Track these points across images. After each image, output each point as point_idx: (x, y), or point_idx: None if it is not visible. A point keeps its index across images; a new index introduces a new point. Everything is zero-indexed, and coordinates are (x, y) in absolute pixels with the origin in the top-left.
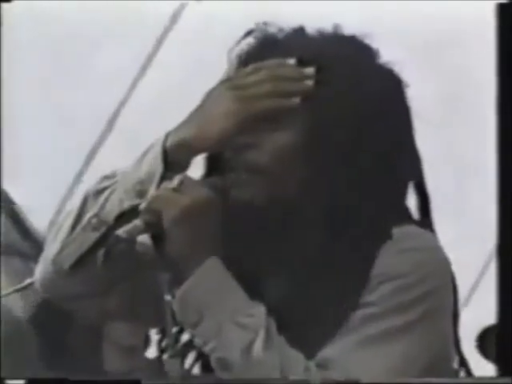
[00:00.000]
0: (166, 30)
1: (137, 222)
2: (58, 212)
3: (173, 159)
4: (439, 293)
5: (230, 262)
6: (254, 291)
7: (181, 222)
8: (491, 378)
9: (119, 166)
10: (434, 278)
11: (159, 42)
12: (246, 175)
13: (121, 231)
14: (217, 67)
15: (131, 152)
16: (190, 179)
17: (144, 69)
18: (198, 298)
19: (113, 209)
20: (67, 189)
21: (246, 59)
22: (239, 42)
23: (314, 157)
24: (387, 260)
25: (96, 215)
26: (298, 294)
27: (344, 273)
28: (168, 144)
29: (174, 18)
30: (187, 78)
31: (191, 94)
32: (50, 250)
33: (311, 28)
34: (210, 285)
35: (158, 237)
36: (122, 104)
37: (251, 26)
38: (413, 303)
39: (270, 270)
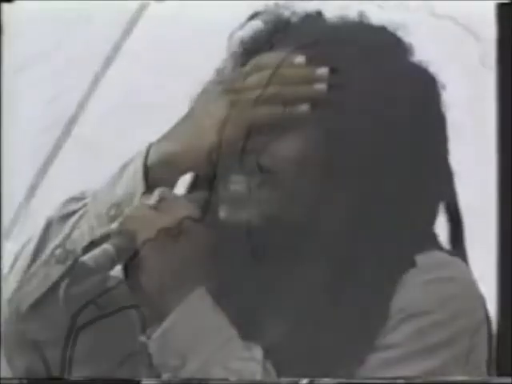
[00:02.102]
0: (127, 31)
1: (106, 247)
2: (6, 237)
3: (156, 178)
4: (471, 334)
5: (219, 294)
6: (248, 330)
7: (159, 246)
8: (491, 378)
9: (82, 181)
10: (466, 316)
11: (123, 37)
12: (244, 185)
13: (86, 257)
14: (187, 68)
15: (96, 164)
16: (171, 194)
17: (104, 70)
18: (180, 338)
19: (81, 238)
20: (17, 207)
21: (251, 47)
22: (243, 25)
23: (328, 171)
24: (410, 293)
25: (61, 245)
26: (301, 333)
27: (358, 308)
28: (150, 159)
29: (135, 18)
30: (156, 80)
31: (162, 97)
32: (5, 287)
33: (333, 14)
34: (196, 322)
35: (131, 265)
36: (81, 106)
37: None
38: (441, 346)
39: (267, 304)
